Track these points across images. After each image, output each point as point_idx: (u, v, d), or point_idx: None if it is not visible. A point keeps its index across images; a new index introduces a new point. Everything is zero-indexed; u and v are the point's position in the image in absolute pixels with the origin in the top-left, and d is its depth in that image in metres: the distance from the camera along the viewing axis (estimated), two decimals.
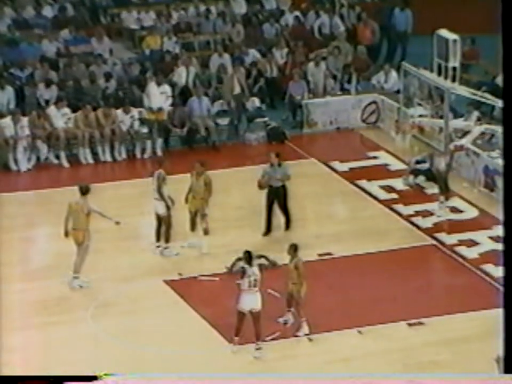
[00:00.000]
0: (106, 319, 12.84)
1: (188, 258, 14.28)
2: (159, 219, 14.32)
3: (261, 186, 14.78)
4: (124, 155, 17.87)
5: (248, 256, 12.09)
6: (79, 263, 13.41)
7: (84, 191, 13.40)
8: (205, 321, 12.73)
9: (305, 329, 12.54)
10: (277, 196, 14.78)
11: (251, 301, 12.02)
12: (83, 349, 12.10)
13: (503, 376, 8.80)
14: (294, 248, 12.47)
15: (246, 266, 12.04)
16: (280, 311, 12.80)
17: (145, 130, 17.98)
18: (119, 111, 18.03)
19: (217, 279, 13.57)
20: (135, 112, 18.04)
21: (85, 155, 17.73)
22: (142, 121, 18.05)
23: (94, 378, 8.59)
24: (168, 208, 14.11)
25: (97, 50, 19.96)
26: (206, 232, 14.26)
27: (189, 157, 17.77)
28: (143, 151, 17.96)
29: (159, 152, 17.94)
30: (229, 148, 18.25)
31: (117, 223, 13.48)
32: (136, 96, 18.60)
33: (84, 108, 17.92)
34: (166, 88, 18.30)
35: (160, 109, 18.12)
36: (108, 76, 19.06)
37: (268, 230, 14.84)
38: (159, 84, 18.28)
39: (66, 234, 13.34)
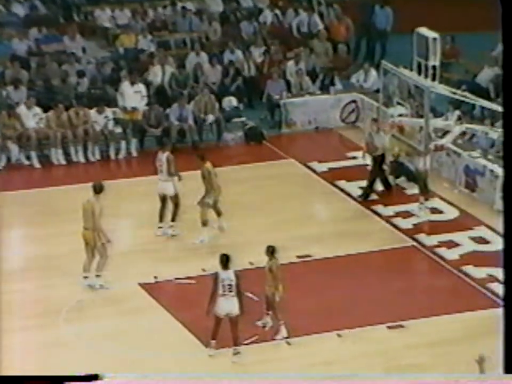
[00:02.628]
0: (79, 323, 12.87)
1: (163, 260, 14.32)
2: (164, 200, 14.56)
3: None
4: (97, 156, 17.89)
5: (225, 260, 12.11)
6: (88, 263, 13.48)
7: (97, 190, 13.42)
8: (181, 325, 12.78)
9: (283, 332, 12.63)
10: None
11: (227, 306, 12.02)
12: (54, 354, 12.09)
13: (503, 376, 8.93)
14: (270, 251, 12.54)
15: (220, 271, 12.06)
16: (259, 314, 12.87)
17: (119, 130, 18.00)
18: (93, 111, 18.05)
19: (193, 282, 13.61)
20: (109, 112, 18.06)
21: (57, 156, 17.73)
22: (116, 121, 18.07)
23: (94, 378, 8.64)
24: (175, 188, 14.40)
25: (70, 48, 19.95)
26: (204, 223, 14.35)
27: None
28: (117, 151, 17.97)
29: (134, 153, 17.98)
30: (205, 148, 18.28)
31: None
32: (110, 96, 18.62)
33: (56, 107, 17.92)
34: (141, 87, 18.35)
35: (134, 109, 18.16)
36: (80, 75, 19.06)
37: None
38: (133, 83, 18.32)
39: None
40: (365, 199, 16.14)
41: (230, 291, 11.99)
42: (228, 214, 15.34)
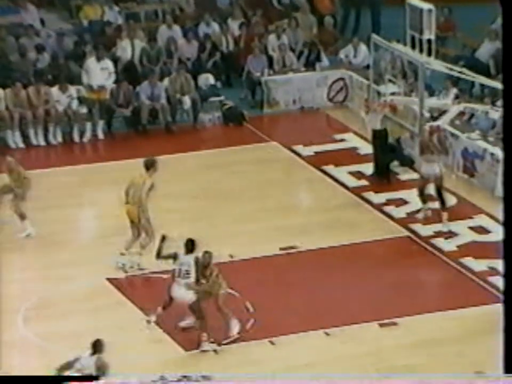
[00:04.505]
0: (40, 322, 12.84)
1: (134, 254, 14.29)
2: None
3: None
4: (59, 138, 17.81)
5: (190, 244, 12.32)
6: (132, 242, 13.66)
7: (148, 166, 13.66)
8: (154, 324, 12.73)
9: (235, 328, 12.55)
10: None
11: (179, 291, 12.34)
12: (9, 354, 12.05)
13: (503, 376, 9.05)
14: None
15: (181, 253, 12.27)
16: (240, 311, 12.91)
17: (84, 110, 17.93)
18: (54, 89, 17.96)
19: (165, 276, 13.62)
20: (72, 90, 17.99)
21: (14, 138, 17.64)
22: (81, 101, 18.01)
23: (94, 378, 8.68)
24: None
25: (28, 21, 19.83)
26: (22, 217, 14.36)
27: (134, 140, 17.80)
28: (82, 134, 17.90)
29: (100, 135, 17.93)
30: (179, 130, 18.26)
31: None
32: (74, 73, 18.54)
33: (13, 85, 17.80)
34: (108, 63, 18.28)
35: (101, 87, 18.09)
36: (40, 50, 18.95)
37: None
38: (99, 59, 18.26)
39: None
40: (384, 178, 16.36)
41: (186, 277, 12.27)
42: (205, 202, 15.34)
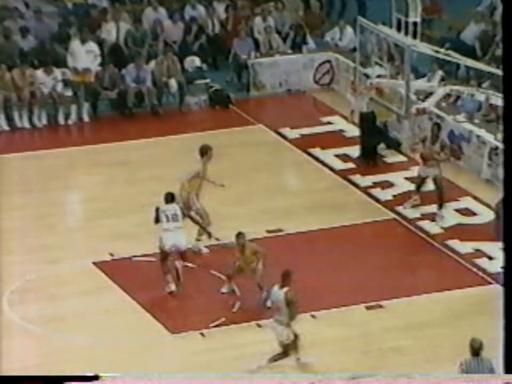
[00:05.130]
0: (25, 305, 12.67)
1: (120, 237, 14.10)
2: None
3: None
4: (44, 121, 17.58)
5: (170, 197, 12.73)
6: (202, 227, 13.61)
7: (203, 152, 13.73)
8: (140, 307, 12.61)
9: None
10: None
11: (173, 237, 12.66)
12: None
13: (504, 376, 8.96)
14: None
15: (161, 205, 12.64)
16: (227, 295, 12.76)
17: (69, 93, 17.71)
18: (40, 72, 17.76)
19: (153, 259, 13.44)
20: (58, 73, 17.79)
21: None
22: (66, 83, 17.79)
23: (94, 378, 8.92)
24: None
25: (12, 3, 19.52)
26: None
27: (120, 123, 17.58)
28: (67, 116, 17.68)
29: (86, 118, 17.70)
30: (166, 113, 18.04)
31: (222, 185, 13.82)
32: (59, 55, 18.31)
33: None
34: (93, 46, 18.11)
35: (87, 70, 17.89)
36: (25, 32, 18.69)
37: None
38: (84, 42, 18.07)
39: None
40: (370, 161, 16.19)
41: (175, 220, 12.64)
42: None
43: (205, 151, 13.82)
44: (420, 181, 14.94)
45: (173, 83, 18.19)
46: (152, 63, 18.43)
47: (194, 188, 13.67)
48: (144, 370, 11.52)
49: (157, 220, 12.85)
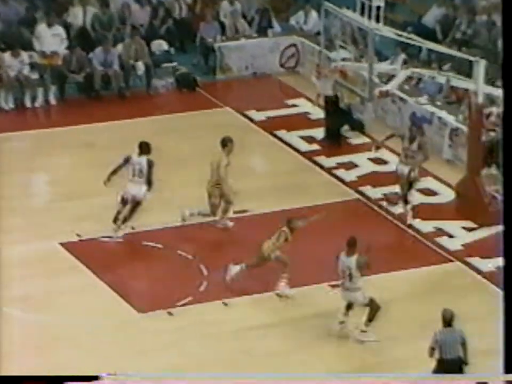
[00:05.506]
0: None
1: (87, 218, 14.08)
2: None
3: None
4: (11, 104, 17.44)
5: (145, 147, 13.28)
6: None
7: (224, 144, 13.84)
8: (108, 287, 12.62)
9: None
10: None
11: (134, 189, 13.31)
12: None
13: (504, 376, 9.06)
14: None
15: (134, 156, 13.00)
16: (193, 274, 12.78)
17: (36, 76, 17.59)
18: (7, 55, 17.60)
19: (121, 240, 13.42)
20: (25, 56, 17.65)
21: None
22: (33, 66, 17.66)
23: (94, 378, 8.91)
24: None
25: None
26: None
27: (87, 106, 17.48)
28: (34, 99, 17.56)
29: (52, 101, 17.58)
30: (133, 95, 17.96)
31: None
32: (26, 39, 18.14)
33: None
34: (59, 29, 18.02)
35: (54, 53, 17.78)
36: None
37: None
38: (50, 25, 17.96)
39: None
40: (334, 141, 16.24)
41: (140, 177, 13.21)
42: (158, 166, 15.10)
43: (226, 143, 13.87)
44: (400, 179, 14.42)
45: (140, 66, 18.12)
46: (120, 47, 18.36)
47: (225, 180, 13.75)
48: (112, 350, 11.56)
49: (120, 167, 13.35)
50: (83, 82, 17.82)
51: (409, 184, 14.37)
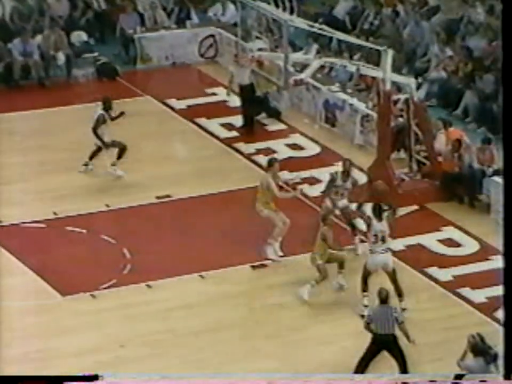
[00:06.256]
0: None
1: (8, 204, 13.92)
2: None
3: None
4: None
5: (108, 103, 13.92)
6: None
7: (268, 165, 13.45)
8: (31, 270, 12.55)
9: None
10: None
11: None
12: None
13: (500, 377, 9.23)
14: None
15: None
16: (116, 257, 12.75)
17: None
18: None
19: (44, 226, 13.28)
20: None
21: None
22: None
23: (94, 378, 8.79)
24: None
25: None
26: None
27: (7, 95, 17.21)
28: None
29: None
30: (53, 85, 17.74)
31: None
32: None
33: None
34: None
35: None
36: None
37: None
38: None
39: None
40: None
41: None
42: (81, 154, 15.00)
43: (270, 164, 13.49)
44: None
45: (60, 56, 17.93)
46: (39, 38, 18.13)
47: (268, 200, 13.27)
48: (36, 332, 11.46)
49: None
50: (2, 72, 17.55)
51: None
